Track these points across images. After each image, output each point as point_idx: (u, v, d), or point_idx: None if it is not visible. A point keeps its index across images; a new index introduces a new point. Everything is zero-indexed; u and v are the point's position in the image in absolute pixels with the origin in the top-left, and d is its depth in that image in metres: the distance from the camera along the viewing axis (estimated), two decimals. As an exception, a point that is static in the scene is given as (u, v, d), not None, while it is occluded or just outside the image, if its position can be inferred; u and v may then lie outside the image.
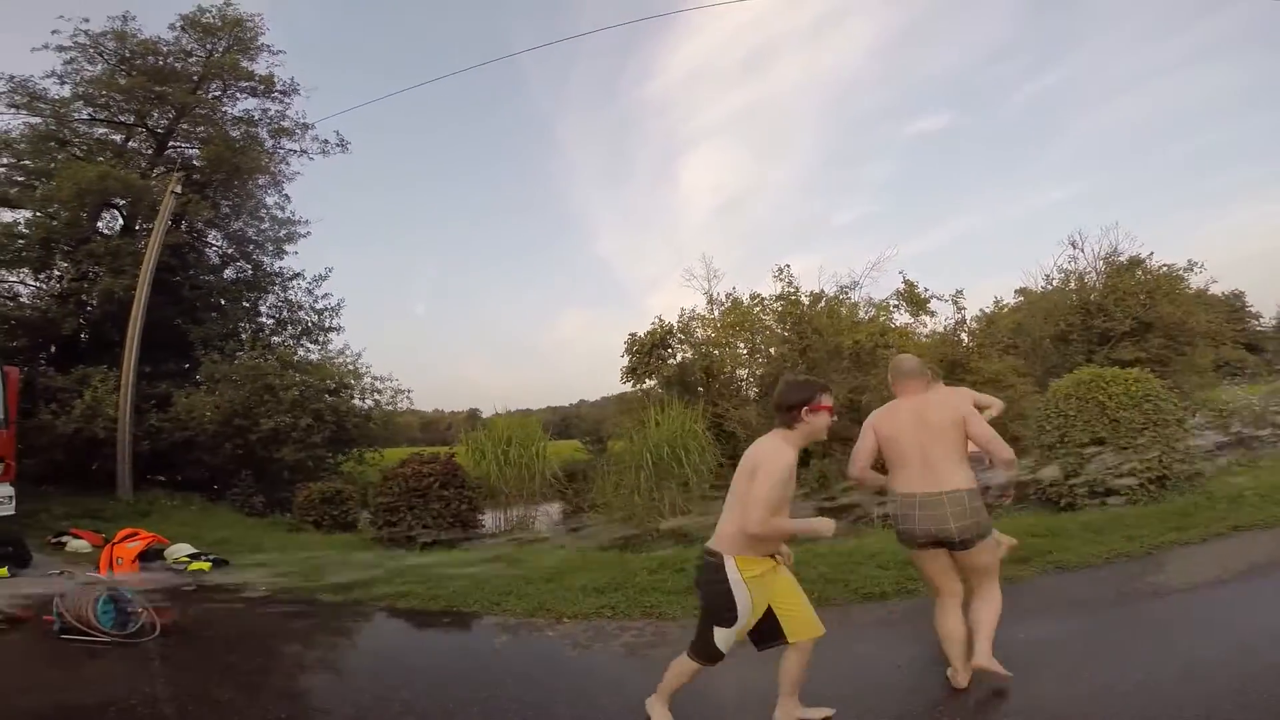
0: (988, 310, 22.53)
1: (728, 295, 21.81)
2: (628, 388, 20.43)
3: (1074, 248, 27.30)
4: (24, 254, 15.62)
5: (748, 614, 2.77)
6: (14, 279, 17.15)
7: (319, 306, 20.65)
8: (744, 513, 2.72)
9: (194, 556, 7.58)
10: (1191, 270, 25.82)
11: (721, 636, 2.80)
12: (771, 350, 21.10)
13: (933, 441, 3.18)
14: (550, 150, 74.02)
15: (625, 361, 20.32)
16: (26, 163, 15.10)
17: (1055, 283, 27.45)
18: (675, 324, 20.68)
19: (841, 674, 3.46)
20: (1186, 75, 63.30)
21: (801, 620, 2.89)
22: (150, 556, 7.44)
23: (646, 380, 20.05)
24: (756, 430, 20.76)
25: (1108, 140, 63.01)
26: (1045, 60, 68.82)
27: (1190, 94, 61.44)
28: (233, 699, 3.70)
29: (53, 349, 17.80)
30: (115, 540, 7.45)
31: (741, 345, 20.97)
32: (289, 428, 13.94)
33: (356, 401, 17.18)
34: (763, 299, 21.72)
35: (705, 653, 2.87)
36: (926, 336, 22.49)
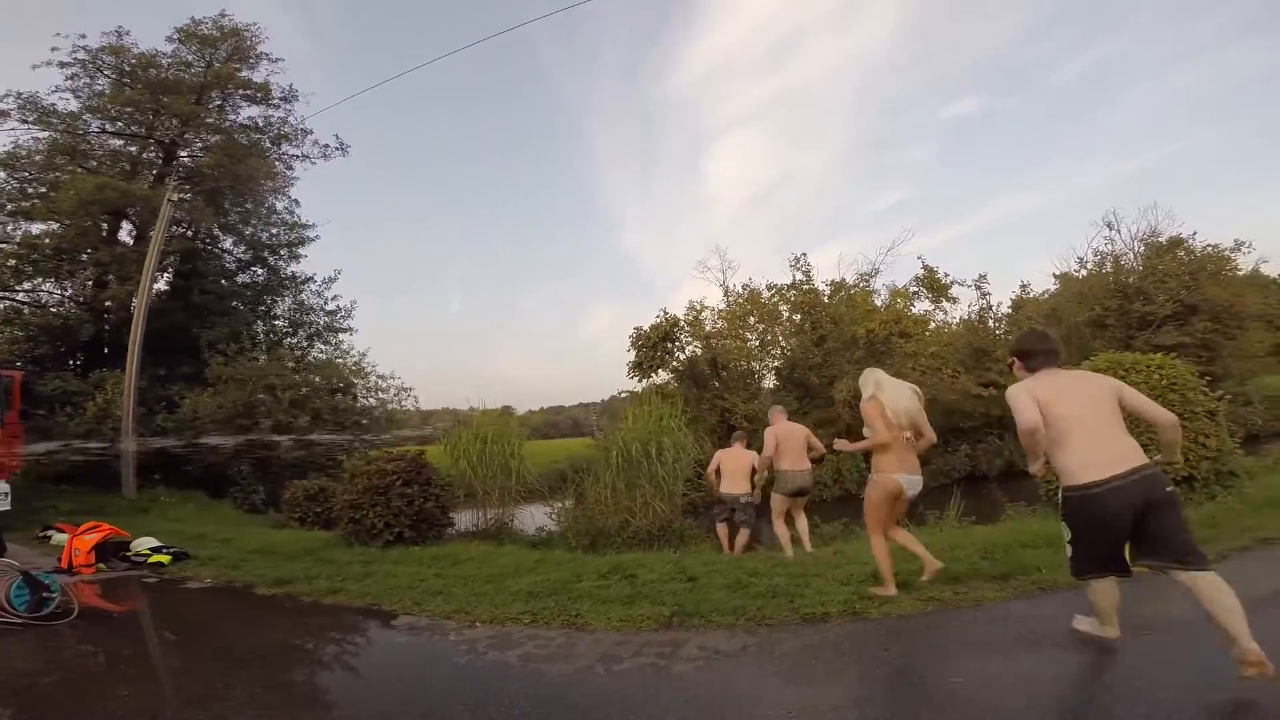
0: (1015, 295, 21.25)
1: (744, 286, 21.27)
2: (634, 383, 20.01)
3: (1109, 229, 25.98)
4: (40, 264, 16.07)
5: None
6: (40, 288, 17.81)
7: (329, 308, 21.08)
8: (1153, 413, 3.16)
9: (156, 550, 7.66)
10: (1239, 250, 24.19)
11: None
12: (783, 341, 20.48)
13: (801, 445, 6.69)
14: (576, 147, 74.11)
15: (632, 356, 19.86)
16: (38, 176, 15.49)
17: (1090, 265, 26.14)
18: (682, 317, 20.16)
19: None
20: (1219, 56, 58.89)
21: None
22: (111, 549, 7.52)
23: (653, 375, 19.58)
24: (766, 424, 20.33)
25: (1153, 120, 59.41)
26: (1085, 38, 65.30)
27: (1225, 76, 57.03)
28: (102, 674, 4.01)
29: (77, 354, 18.44)
30: (77, 533, 7.53)
31: (751, 337, 20.36)
32: (287, 426, 14.06)
33: (364, 401, 17.38)
34: (780, 289, 21.15)
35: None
36: (951, 324, 21.53)
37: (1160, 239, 24.58)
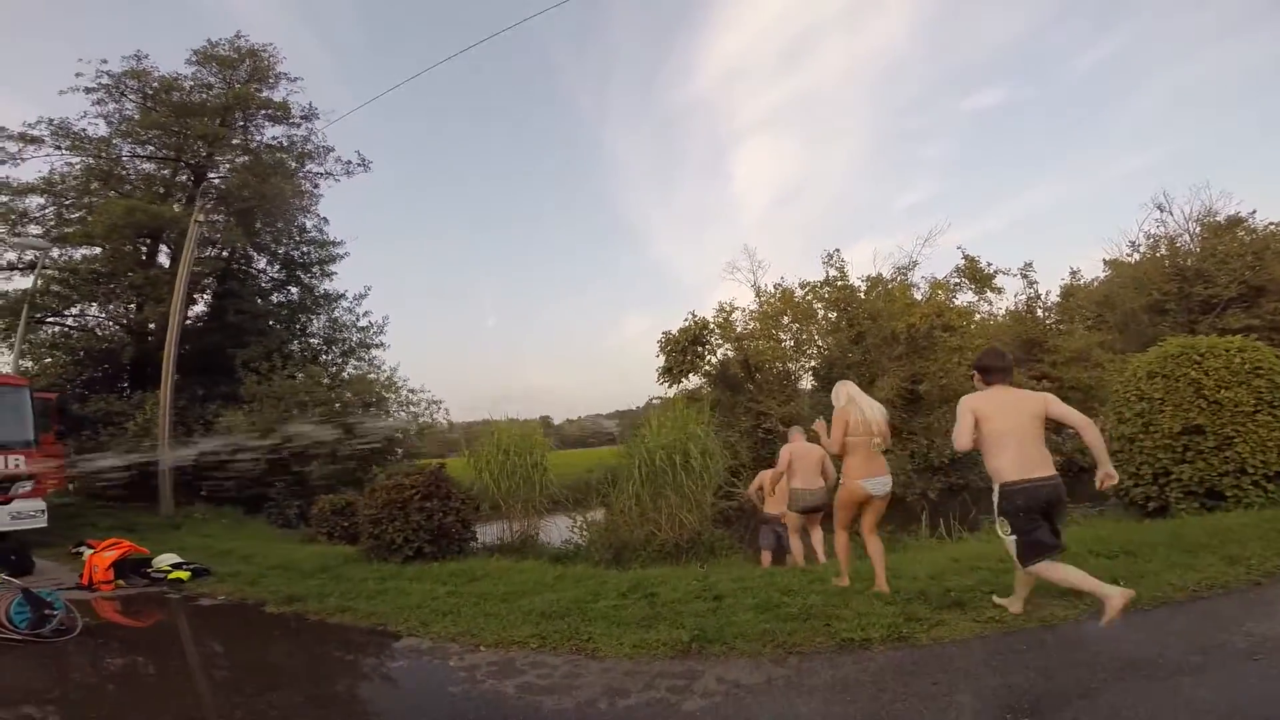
0: (1065, 283, 20.10)
1: (775, 285, 20.60)
2: (665, 389, 19.53)
3: (1160, 211, 24.54)
4: (81, 288, 16.53)
5: None
6: (86, 312, 18.37)
7: (361, 324, 21.34)
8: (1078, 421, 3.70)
9: (176, 566, 7.63)
10: None
11: None
12: (819, 341, 19.76)
13: (815, 465, 6.42)
14: (600, 159, 74.06)
15: (661, 361, 19.37)
16: (74, 201, 15.92)
17: (1143, 250, 24.69)
18: (712, 319, 19.60)
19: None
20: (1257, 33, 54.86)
21: None
22: (130, 565, 7.51)
23: (683, 379, 19.06)
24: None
25: (1187, 101, 55.62)
26: (1106, 21, 61.66)
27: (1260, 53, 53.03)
28: (85, 691, 4.02)
29: (124, 376, 18.95)
30: (97, 549, 7.53)
31: (785, 337, 19.70)
32: (318, 444, 14.05)
33: (397, 415, 17.41)
34: (813, 286, 20.47)
35: None
36: (998, 315, 20.46)
37: (1217, 218, 23.08)
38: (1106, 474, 3.49)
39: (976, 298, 19.05)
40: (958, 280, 19.48)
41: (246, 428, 14.51)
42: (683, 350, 18.75)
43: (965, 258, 19.60)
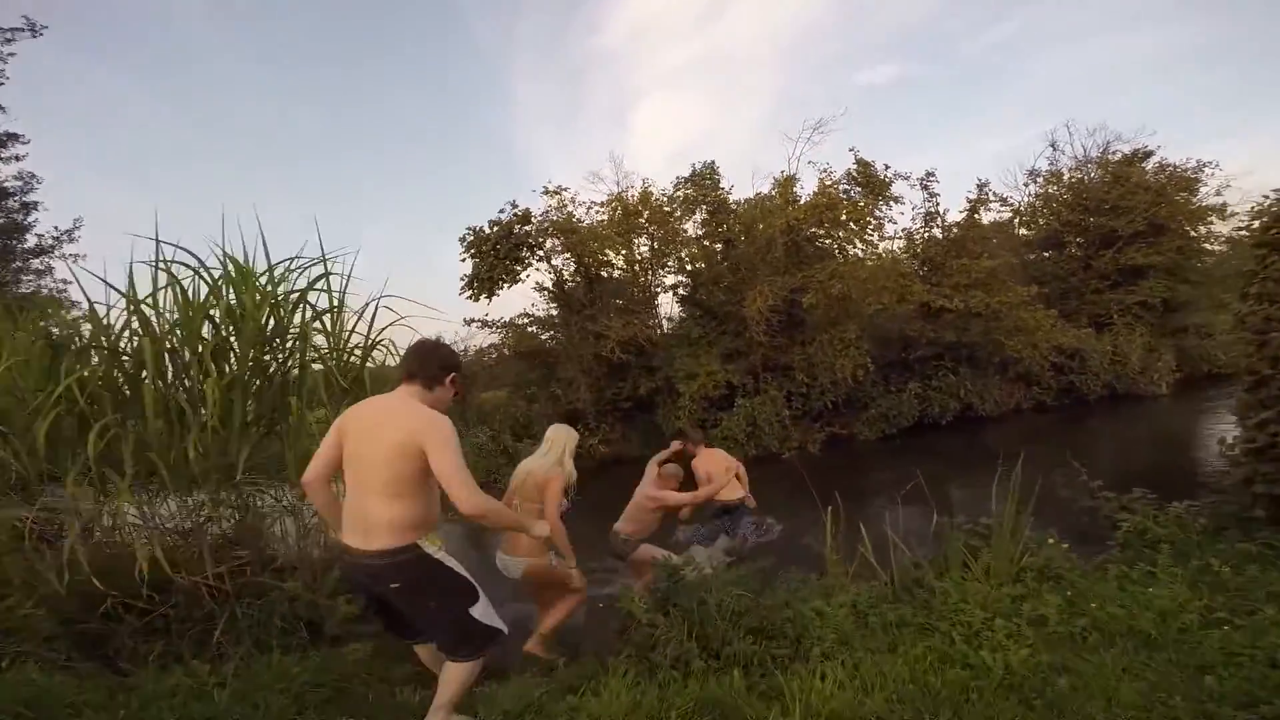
0: (972, 197, 16.90)
1: (641, 196, 15.77)
2: (475, 304, 14.38)
3: (1054, 149, 22.55)
4: None
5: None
6: None
7: (24, 224, 16.54)
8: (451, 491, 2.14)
9: None
10: (1203, 171, 20.60)
11: (482, 609, 2.33)
12: (683, 254, 15.42)
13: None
14: (497, 98, 65.27)
15: (468, 268, 14.07)
16: None
17: (1040, 182, 22.48)
18: (541, 212, 14.44)
19: None
20: (1148, 24, 56.33)
21: None
22: None
23: (497, 292, 13.90)
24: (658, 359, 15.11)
25: (1069, 86, 56.40)
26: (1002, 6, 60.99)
27: (1141, 48, 54.68)
28: None
29: None
30: None
31: (641, 242, 15.13)
32: None
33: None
34: (678, 186, 16.03)
35: (484, 636, 2.33)
36: (898, 228, 16.83)
37: (1120, 150, 20.97)
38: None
39: (871, 207, 15.31)
40: (847, 186, 15.69)
41: None
42: (495, 248, 13.54)
43: (858, 161, 15.81)
